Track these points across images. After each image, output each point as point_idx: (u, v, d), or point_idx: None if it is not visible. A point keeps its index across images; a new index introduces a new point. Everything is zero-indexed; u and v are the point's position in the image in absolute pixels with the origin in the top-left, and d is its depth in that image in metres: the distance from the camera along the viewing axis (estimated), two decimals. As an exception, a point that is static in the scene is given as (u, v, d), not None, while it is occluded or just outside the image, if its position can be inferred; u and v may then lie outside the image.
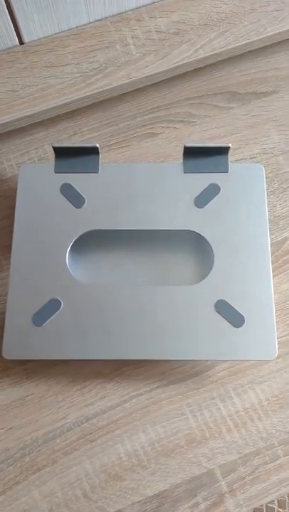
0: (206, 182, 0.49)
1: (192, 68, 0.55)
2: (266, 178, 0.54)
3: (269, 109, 0.58)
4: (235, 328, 0.45)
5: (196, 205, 0.49)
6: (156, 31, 0.54)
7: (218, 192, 0.49)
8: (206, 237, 0.48)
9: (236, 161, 0.56)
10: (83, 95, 0.52)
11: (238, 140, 0.57)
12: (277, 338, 0.47)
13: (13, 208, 0.49)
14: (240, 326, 0.45)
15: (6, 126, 0.52)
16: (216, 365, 0.49)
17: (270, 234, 0.53)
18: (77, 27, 0.54)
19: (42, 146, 0.56)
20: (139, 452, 0.47)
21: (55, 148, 0.49)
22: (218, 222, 0.48)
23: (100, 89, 0.52)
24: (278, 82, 0.59)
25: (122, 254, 0.51)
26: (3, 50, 0.53)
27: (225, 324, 0.45)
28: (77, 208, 0.49)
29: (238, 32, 0.54)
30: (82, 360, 0.47)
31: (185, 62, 0.53)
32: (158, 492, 0.46)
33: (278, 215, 0.54)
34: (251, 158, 0.56)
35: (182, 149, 0.49)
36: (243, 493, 0.46)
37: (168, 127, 0.57)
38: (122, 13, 0.55)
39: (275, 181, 0.55)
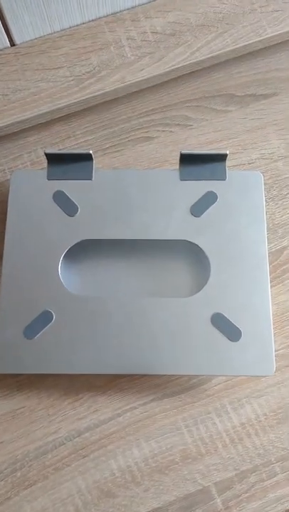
0: (203, 190, 0.48)
1: (189, 71, 0.53)
2: (265, 184, 0.53)
3: (268, 113, 0.56)
4: (232, 343, 0.44)
5: (192, 214, 0.47)
6: (152, 32, 0.52)
7: (215, 200, 0.48)
8: (202, 247, 0.46)
9: (234, 166, 0.54)
10: (76, 100, 0.50)
11: (235, 145, 0.55)
12: (275, 351, 0.46)
13: (4, 213, 0.48)
14: (237, 340, 0.44)
15: (-4, 131, 0.51)
16: (212, 378, 0.48)
17: (269, 242, 0.52)
18: (70, 27, 0.52)
19: (35, 150, 0.55)
20: (133, 468, 0.46)
21: (47, 155, 0.47)
22: (214, 232, 0.47)
23: (93, 94, 0.50)
24: (279, 83, 0.57)
25: (116, 264, 0.49)
26: (-6, 52, 0.52)
27: (221, 338, 0.44)
28: (70, 216, 0.48)
29: (237, 33, 0.52)
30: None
31: (181, 65, 0.51)
32: (151, 509, 0.45)
33: (277, 223, 0.52)
34: (249, 163, 0.54)
35: (178, 154, 0.48)
36: (239, 510, 0.45)
37: (164, 131, 0.56)
38: (117, 12, 0.53)
39: (274, 188, 0.54)
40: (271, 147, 0.55)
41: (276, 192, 0.54)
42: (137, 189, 0.48)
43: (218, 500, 0.45)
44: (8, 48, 0.52)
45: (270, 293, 0.45)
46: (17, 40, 0.51)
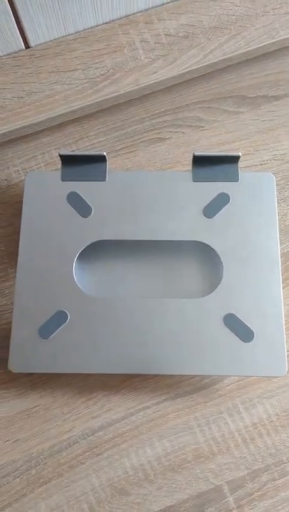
0: (216, 191, 0.48)
1: (202, 73, 0.53)
2: (277, 185, 0.53)
3: (280, 114, 0.56)
4: (245, 343, 0.44)
5: (205, 215, 0.48)
6: (166, 34, 0.53)
7: (228, 202, 0.48)
8: (215, 248, 0.47)
9: (246, 167, 0.54)
10: (90, 102, 0.51)
11: (247, 146, 0.55)
12: (287, 352, 0.46)
13: (18, 215, 0.49)
14: (250, 341, 0.44)
15: (11, 133, 0.51)
16: (224, 378, 0.48)
17: (281, 243, 0.52)
18: (84, 30, 0.53)
19: (48, 151, 0.55)
20: (146, 467, 0.46)
21: (61, 156, 0.48)
22: (227, 233, 0.47)
23: (108, 96, 0.51)
24: (290, 85, 0.57)
25: (130, 264, 0.50)
26: (9, 55, 0.52)
27: (234, 339, 0.44)
28: (83, 217, 0.48)
29: (250, 36, 0.52)
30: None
31: (194, 67, 0.52)
32: (164, 507, 0.45)
33: (289, 224, 0.53)
34: (261, 164, 0.55)
35: (190, 155, 0.48)
36: (251, 509, 0.45)
37: (176, 132, 0.56)
38: (130, 15, 0.53)
39: (286, 188, 0.54)
40: (283, 148, 0.55)
41: (288, 193, 0.54)
42: (150, 190, 0.48)
43: (231, 498, 0.45)
44: (23, 50, 0.52)
45: (282, 294, 0.45)
46: (32, 42, 0.52)
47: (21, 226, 0.48)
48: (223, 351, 0.44)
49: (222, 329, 0.45)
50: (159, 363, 0.44)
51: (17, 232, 0.48)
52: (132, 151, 0.55)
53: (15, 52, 0.52)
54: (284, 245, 0.52)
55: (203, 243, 0.47)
